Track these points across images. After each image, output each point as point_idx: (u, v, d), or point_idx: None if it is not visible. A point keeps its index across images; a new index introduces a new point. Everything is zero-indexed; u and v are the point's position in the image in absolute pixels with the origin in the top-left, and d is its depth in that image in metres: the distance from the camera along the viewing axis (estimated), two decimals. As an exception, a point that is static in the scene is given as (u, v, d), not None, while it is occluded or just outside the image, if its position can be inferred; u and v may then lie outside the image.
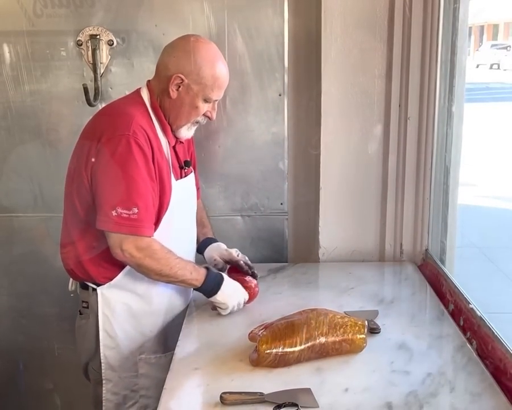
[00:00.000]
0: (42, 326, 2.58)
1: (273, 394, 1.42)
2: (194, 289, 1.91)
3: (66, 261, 1.91)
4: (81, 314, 1.96)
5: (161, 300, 1.95)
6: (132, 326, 1.91)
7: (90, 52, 2.30)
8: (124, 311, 1.90)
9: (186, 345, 1.73)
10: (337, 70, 2.23)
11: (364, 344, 1.63)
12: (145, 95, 1.87)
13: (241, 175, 2.43)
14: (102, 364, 1.91)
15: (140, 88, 1.90)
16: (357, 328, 1.64)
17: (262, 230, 2.47)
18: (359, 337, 1.63)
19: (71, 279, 1.98)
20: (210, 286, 1.85)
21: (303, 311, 1.68)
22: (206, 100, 1.84)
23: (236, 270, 2.03)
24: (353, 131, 2.28)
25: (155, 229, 1.80)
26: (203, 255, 2.11)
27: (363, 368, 1.58)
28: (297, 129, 2.43)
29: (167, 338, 1.97)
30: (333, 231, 2.37)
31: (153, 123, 1.83)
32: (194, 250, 2.08)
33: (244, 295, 1.91)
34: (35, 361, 2.65)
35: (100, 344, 1.89)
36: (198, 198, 2.15)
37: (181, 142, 1.96)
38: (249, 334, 1.63)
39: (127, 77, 2.34)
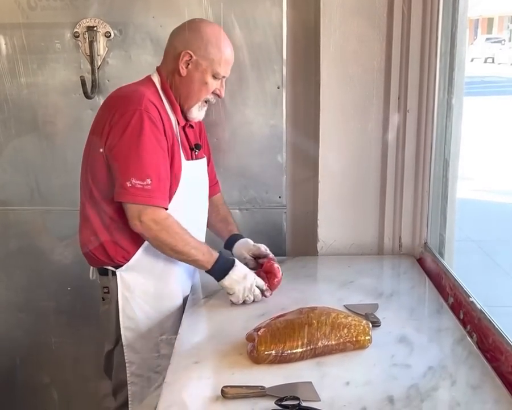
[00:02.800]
0: (39, 320, 2.57)
1: (274, 388, 1.41)
2: (206, 271, 1.92)
3: (85, 245, 1.93)
4: (103, 299, 1.99)
5: (177, 281, 1.99)
6: (151, 307, 1.95)
7: (87, 44, 2.28)
8: (143, 292, 1.94)
9: (186, 338, 1.72)
10: (336, 62, 2.21)
11: (369, 344, 1.62)
12: (155, 79, 1.94)
13: (239, 168, 2.42)
14: (124, 346, 1.94)
15: (150, 74, 1.96)
16: (362, 328, 1.61)
17: (260, 223, 2.46)
18: (364, 338, 1.61)
19: (91, 268, 2.01)
20: (219, 270, 1.89)
21: (303, 309, 1.66)
22: (214, 76, 1.91)
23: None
24: (352, 124, 2.27)
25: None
26: (231, 252, 2.12)
27: (364, 361, 1.57)
28: (295, 122, 2.41)
29: None
30: (332, 224, 2.36)
31: (163, 103, 1.89)
32: (203, 238, 2.06)
33: (255, 281, 1.91)
34: (32, 356, 2.64)
35: (121, 326, 1.93)
36: (218, 192, 2.23)
37: (191, 126, 2.02)
38: (246, 335, 1.60)
39: (125, 69, 2.32)
